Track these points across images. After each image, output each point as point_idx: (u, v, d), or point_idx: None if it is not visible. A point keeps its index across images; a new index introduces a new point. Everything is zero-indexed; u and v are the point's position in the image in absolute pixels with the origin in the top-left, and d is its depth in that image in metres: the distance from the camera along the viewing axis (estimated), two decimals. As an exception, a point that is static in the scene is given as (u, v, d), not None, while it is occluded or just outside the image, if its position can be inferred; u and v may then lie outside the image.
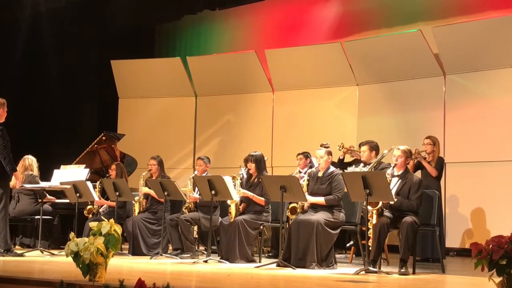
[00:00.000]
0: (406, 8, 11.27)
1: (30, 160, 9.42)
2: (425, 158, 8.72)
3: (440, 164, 8.76)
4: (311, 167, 8.30)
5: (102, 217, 6.44)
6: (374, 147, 8.13)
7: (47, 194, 9.17)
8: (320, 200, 7.18)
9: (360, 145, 8.78)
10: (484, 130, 9.69)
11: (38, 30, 12.93)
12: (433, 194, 7.25)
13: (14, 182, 7.88)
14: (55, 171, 9.71)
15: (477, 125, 9.78)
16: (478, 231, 9.61)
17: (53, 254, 8.25)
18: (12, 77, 12.80)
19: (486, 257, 4.46)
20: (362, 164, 8.04)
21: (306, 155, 8.82)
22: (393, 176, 6.85)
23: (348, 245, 8.97)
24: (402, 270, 6.55)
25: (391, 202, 6.67)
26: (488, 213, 9.59)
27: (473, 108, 9.89)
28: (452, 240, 9.73)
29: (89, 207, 9.13)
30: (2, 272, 5.92)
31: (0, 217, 7.69)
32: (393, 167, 6.95)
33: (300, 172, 8.59)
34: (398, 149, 6.98)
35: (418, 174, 8.43)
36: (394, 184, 6.84)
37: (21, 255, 7.84)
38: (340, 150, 9.08)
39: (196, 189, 8.27)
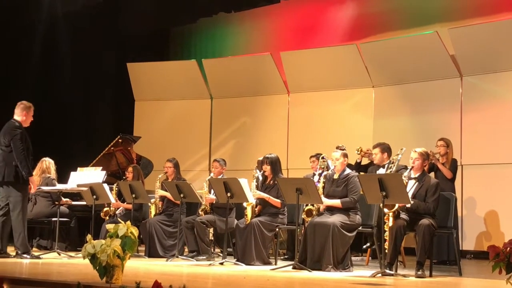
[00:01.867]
0: (422, 9, 11.23)
1: (47, 163, 9.48)
2: (439, 160, 8.68)
3: (454, 166, 8.73)
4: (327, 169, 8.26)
5: (119, 219, 6.48)
6: (386, 149, 8.10)
7: (62, 197, 9.21)
8: (336, 202, 7.16)
9: (374, 148, 8.77)
10: (501, 132, 9.63)
11: (54, 33, 13.01)
12: (450, 197, 7.22)
13: (29, 187, 7.90)
14: (72, 174, 9.76)
15: (494, 127, 9.71)
16: (495, 233, 9.55)
17: (70, 256, 8.28)
18: (29, 79, 12.89)
19: (504, 260, 4.43)
20: (381, 168, 7.99)
21: (319, 156, 8.80)
22: (410, 178, 6.83)
23: (364, 247, 8.94)
24: (419, 273, 6.52)
25: (408, 205, 6.65)
26: (505, 216, 9.52)
27: (490, 109, 9.83)
28: (469, 242, 9.67)
29: (105, 209, 9.18)
30: (20, 274, 5.96)
31: (18, 220, 7.74)
32: (410, 169, 6.92)
33: (314, 174, 8.58)
34: (415, 151, 6.95)
35: (432, 176, 8.39)
36: (411, 187, 6.81)
37: (38, 257, 7.88)
38: (358, 154, 9.06)
39: (212, 191, 8.28)
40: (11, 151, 7.75)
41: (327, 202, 7.18)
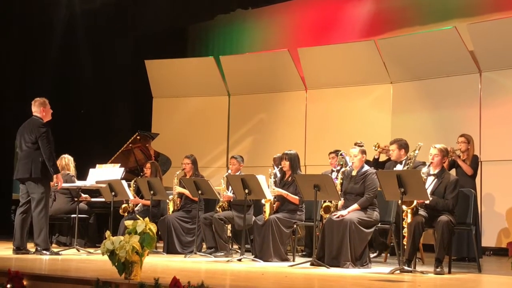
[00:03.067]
0: (440, 5, 11.17)
1: (67, 160, 9.54)
2: (459, 157, 8.63)
3: (475, 163, 8.67)
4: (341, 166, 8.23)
5: (137, 215, 6.50)
6: (403, 145, 8.04)
7: (81, 194, 9.27)
8: (354, 207, 7.14)
9: (391, 144, 8.74)
10: (521, 128, 9.56)
11: (73, 31, 13.08)
12: (469, 193, 7.17)
13: (54, 182, 7.97)
14: (91, 170, 9.81)
15: (514, 123, 9.65)
16: (515, 230, 9.49)
17: (89, 252, 8.33)
18: (48, 77, 12.97)
19: (523, 257, 4.41)
20: (398, 164, 7.95)
21: (338, 153, 8.79)
22: (429, 175, 6.79)
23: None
24: (438, 270, 6.49)
25: (427, 202, 6.61)
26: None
27: (509, 105, 9.76)
28: (489, 239, 9.61)
29: (124, 205, 9.22)
30: (39, 270, 6.00)
31: (40, 216, 7.79)
32: (429, 165, 6.88)
33: (332, 171, 8.56)
34: (435, 147, 6.90)
35: (453, 172, 8.35)
36: (430, 183, 6.78)
37: (58, 253, 7.94)
38: (375, 150, 9.03)
39: (230, 188, 8.29)
40: (37, 148, 7.82)
41: (347, 210, 7.12)
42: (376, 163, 8.86)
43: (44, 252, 7.73)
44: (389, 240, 8.13)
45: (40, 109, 8.00)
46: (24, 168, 7.85)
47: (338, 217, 7.05)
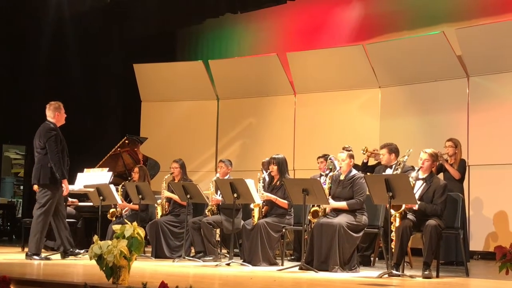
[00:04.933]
0: (428, 10, 11.20)
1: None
2: (447, 161, 8.66)
3: (462, 167, 8.70)
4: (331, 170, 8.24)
5: (125, 220, 6.48)
6: (394, 150, 8.08)
7: (68, 198, 9.23)
8: (343, 205, 7.15)
9: (381, 148, 8.75)
10: (508, 132, 9.60)
11: (62, 34, 13.04)
12: (457, 197, 7.20)
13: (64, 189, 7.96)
14: (79, 175, 9.78)
15: (501, 127, 9.69)
16: (502, 234, 9.52)
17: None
18: (36, 80, 12.92)
19: (511, 260, 4.42)
20: (388, 169, 7.97)
21: (327, 158, 8.80)
22: (417, 179, 6.81)
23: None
24: (426, 273, 6.51)
25: (415, 208, 6.63)
26: (512, 216, 9.50)
27: (497, 110, 9.80)
28: (476, 243, 9.64)
29: (112, 210, 9.19)
30: (27, 275, 5.97)
31: (38, 221, 7.78)
32: (418, 170, 6.90)
33: (321, 175, 8.56)
34: (425, 152, 6.91)
35: (440, 176, 8.37)
36: (419, 188, 6.79)
37: (48, 258, 7.89)
38: (364, 154, 9.05)
39: (219, 192, 8.28)
40: (46, 153, 7.82)
41: (334, 204, 7.17)
42: (365, 167, 8.87)
43: (34, 257, 7.69)
44: (378, 244, 8.15)
45: (54, 114, 8.04)
46: (35, 174, 7.92)
47: (329, 210, 7.11)
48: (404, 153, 7.46)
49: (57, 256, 8.26)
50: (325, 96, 11.53)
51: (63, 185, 7.87)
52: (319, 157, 8.95)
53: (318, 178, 7.97)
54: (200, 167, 12.49)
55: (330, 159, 7.81)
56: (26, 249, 9.30)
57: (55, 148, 7.76)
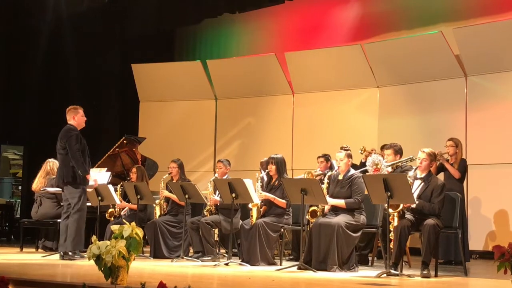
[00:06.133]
0: (426, 9, 11.21)
1: (52, 164, 9.51)
2: (447, 160, 8.67)
3: (463, 166, 8.71)
4: (331, 169, 8.27)
5: (124, 220, 6.49)
6: (399, 151, 8.09)
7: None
8: (340, 202, 7.16)
9: (382, 148, 8.75)
10: (507, 132, 9.61)
11: (59, 34, 13.03)
12: (455, 197, 7.20)
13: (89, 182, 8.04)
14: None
15: (499, 127, 9.69)
16: (501, 233, 9.53)
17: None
18: (34, 80, 12.91)
19: (509, 260, 4.43)
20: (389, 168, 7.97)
21: (327, 157, 8.80)
22: (415, 178, 6.81)
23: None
24: (424, 273, 6.51)
25: (413, 205, 6.64)
26: (511, 215, 9.49)
27: (495, 109, 9.81)
28: (475, 242, 9.64)
29: (110, 210, 9.19)
30: (25, 275, 5.97)
31: (72, 220, 7.81)
32: (415, 169, 6.91)
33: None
34: (423, 151, 6.92)
35: (441, 176, 8.38)
36: (417, 187, 6.80)
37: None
38: (361, 154, 9.05)
39: (217, 192, 8.28)
40: (67, 153, 7.91)
41: (331, 201, 7.18)
42: (363, 167, 8.87)
43: (76, 256, 7.76)
44: (376, 243, 8.16)
45: (71, 117, 8.14)
46: (59, 175, 8.03)
47: (328, 210, 7.10)
48: (406, 156, 7.49)
49: (55, 256, 8.26)
50: (323, 95, 11.53)
51: (88, 180, 7.95)
52: (319, 157, 8.95)
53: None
54: (199, 167, 12.48)
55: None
56: (24, 250, 9.35)
57: (75, 145, 7.86)
